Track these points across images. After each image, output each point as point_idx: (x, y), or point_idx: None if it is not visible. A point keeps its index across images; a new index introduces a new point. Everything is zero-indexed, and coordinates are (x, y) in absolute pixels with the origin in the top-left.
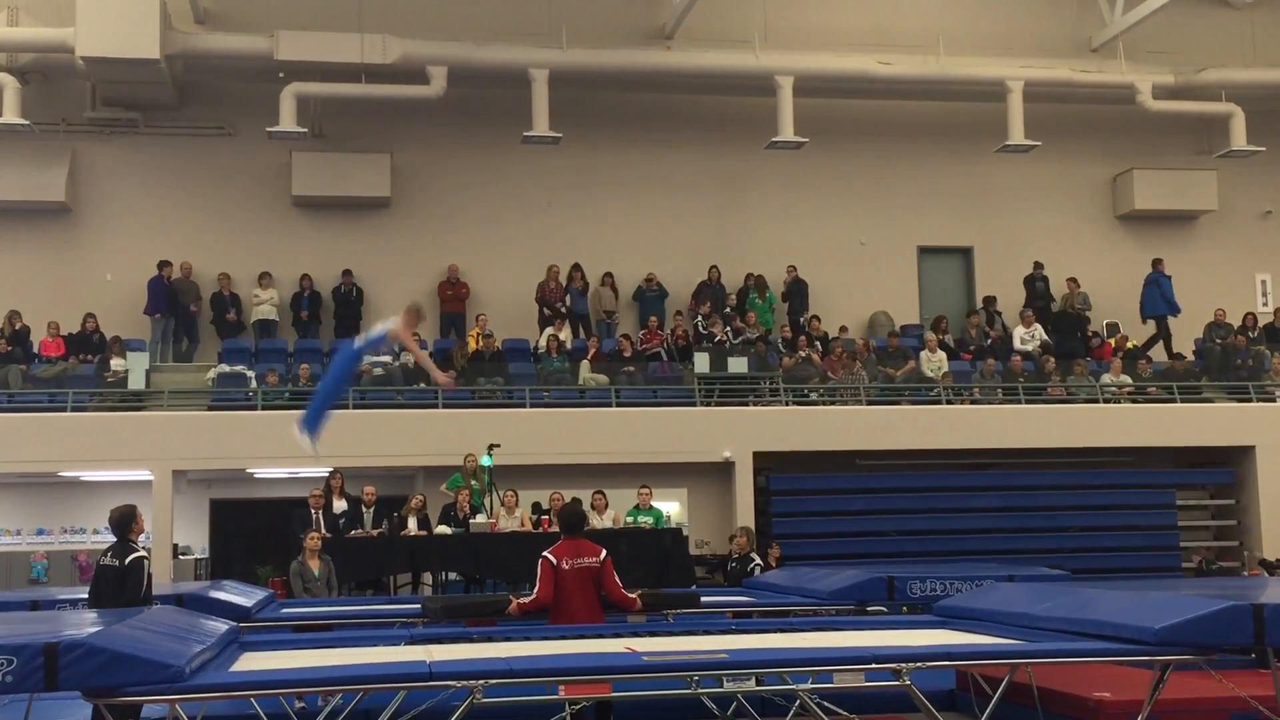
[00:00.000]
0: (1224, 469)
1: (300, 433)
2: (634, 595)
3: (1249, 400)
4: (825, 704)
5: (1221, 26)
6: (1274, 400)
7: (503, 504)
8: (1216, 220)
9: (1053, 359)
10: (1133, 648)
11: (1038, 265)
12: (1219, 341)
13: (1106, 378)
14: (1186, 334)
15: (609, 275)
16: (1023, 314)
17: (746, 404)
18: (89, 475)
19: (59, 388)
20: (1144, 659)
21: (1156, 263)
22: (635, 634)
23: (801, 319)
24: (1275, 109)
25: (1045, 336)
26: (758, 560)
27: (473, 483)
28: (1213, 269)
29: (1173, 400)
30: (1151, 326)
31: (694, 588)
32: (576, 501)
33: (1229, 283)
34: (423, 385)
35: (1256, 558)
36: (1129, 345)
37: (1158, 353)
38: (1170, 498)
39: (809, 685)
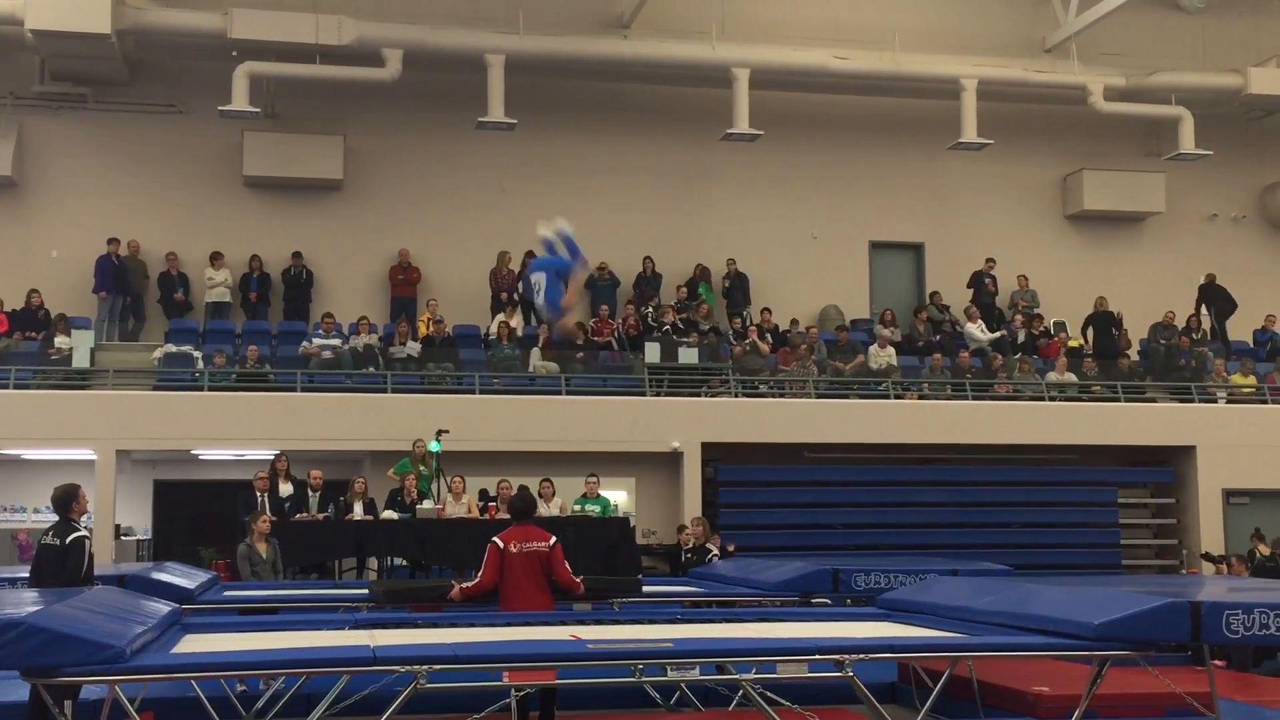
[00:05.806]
0: (1165, 468)
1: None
2: (579, 579)
3: (1191, 401)
4: (768, 694)
5: (1172, 31)
6: (1216, 401)
7: (450, 490)
8: (1164, 222)
9: (1000, 356)
10: (1072, 643)
11: (989, 262)
12: (1163, 342)
13: (1052, 376)
14: (1132, 334)
15: None
16: (968, 310)
17: (696, 395)
18: (31, 453)
19: (2, 364)
20: (1083, 654)
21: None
22: (581, 622)
23: (744, 312)
24: (1223, 113)
25: (993, 334)
26: (715, 550)
27: (420, 468)
28: (1159, 270)
29: (1117, 400)
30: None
31: (640, 577)
32: (526, 488)
33: (1175, 284)
34: (371, 370)
35: (1199, 555)
36: (1070, 344)
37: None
38: (1112, 495)
39: (752, 675)
